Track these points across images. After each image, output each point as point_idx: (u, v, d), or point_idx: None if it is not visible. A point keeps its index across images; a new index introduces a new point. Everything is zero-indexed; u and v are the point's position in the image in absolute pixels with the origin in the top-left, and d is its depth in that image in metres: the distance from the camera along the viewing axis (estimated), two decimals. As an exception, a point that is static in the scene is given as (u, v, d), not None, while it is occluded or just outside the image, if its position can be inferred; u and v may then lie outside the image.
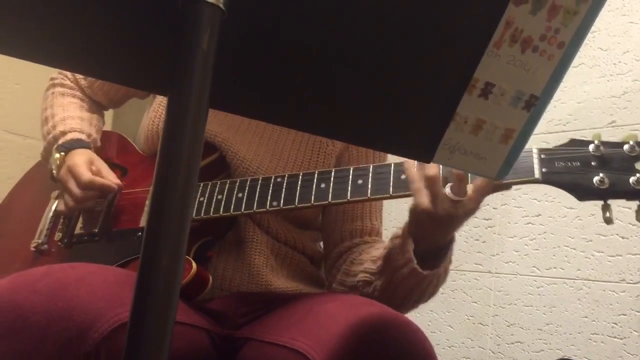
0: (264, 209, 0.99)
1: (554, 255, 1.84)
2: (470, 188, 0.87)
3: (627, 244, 1.72)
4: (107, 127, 1.61)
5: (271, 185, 1.00)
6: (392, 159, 0.93)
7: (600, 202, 0.82)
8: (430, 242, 0.94)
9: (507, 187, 0.89)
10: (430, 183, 0.87)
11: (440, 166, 0.88)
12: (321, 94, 0.56)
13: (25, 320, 0.75)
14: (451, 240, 0.96)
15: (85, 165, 1.13)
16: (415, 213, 0.91)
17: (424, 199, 0.88)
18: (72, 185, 1.12)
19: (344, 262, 1.12)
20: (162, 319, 0.44)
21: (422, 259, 0.94)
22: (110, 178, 1.14)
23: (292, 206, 0.97)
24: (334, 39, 0.52)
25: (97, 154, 1.20)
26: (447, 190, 0.88)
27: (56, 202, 1.24)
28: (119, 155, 1.26)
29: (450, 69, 0.55)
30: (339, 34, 0.52)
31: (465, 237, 2.03)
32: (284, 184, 0.99)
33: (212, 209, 1.02)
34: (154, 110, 1.20)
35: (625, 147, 0.82)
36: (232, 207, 1.01)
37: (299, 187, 0.98)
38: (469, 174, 0.88)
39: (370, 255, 1.06)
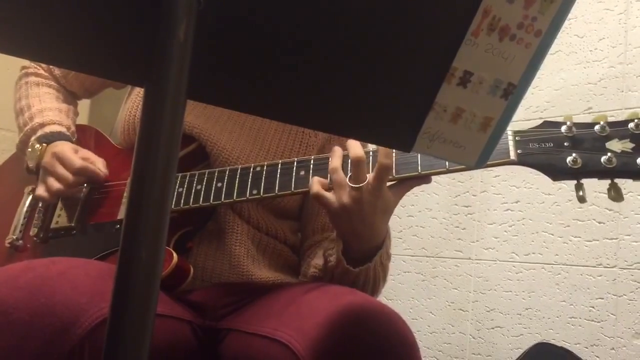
0: (244, 198, 0.99)
1: (533, 241, 1.86)
2: (370, 175, 0.89)
3: (604, 228, 1.74)
4: (84, 119, 1.59)
5: (250, 174, 1.00)
6: (373, 148, 0.94)
7: (574, 182, 0.84)
8: (358, 242, 0.95)
9: (428, 179, 0.92)
10: (332, 172, 0.91)
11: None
12: (299, 84, 0.56)
13: (7, 316, 0.74)
14: (385, 237, 0.97)
15: (73, 151, 1.12)
16: (329, 211, 0.93)
17: (330, 195, 0.92)
18: (62, 170, 1.10)
19: (310, 254, 1.13)
20: (143, 312, 0.44)
21: (357, 258, 0.96)
22: (99, 166, 1.13)
23: (273, 194, 0.97)
24: (311, 28, 0.52)
25: None
26: (347, 179, 0.91)
27: (30, 197, 1.22)
28: (94, 148, 1.25)
29: (428, 58, 0.55)
30: (316, 23, 0.52)
31: (445, 224, 2.05)
32: (264, 173, 0.99)
33: (191, 199, 1.02)
34: (131, 102, 1.18)
35: (596, 127, 0.83)
36: (211, 197, 1.00)
37: (278, 175, 0.98)
38: (370, 161, 0.91)
39: (321, 250, 1.07)
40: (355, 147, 0.90)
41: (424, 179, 0.91)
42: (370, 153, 0.93)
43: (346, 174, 0.91)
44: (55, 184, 1.11)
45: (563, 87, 1.89)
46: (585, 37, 1.88)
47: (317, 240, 1.14)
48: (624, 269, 1.70)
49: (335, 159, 0.92)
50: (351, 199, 0.89)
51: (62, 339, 0.74)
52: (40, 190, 1.14)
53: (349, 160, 0.90)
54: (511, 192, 1.93)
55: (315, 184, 0.93)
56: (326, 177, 0.95)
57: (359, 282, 0.97)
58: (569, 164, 0.82)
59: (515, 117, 0.60)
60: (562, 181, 0.85)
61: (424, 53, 0.55)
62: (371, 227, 0.92)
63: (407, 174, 0.90)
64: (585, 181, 0.83)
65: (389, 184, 0.91)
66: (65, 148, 1.13)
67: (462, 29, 0.53)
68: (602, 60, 1.84)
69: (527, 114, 1.92)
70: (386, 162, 0.87)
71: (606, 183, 0.83)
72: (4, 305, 0.75)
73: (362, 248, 0.95)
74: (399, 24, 0.52)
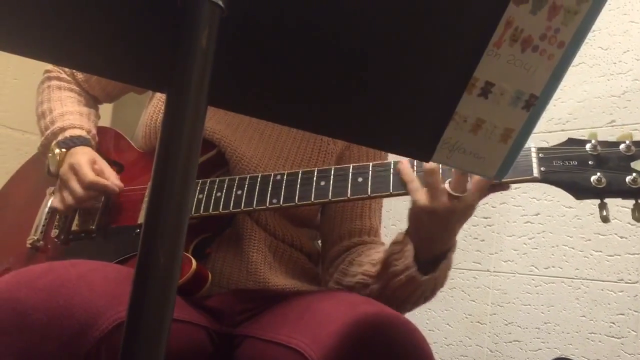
0: (264, 207, 0.99)
1: (553, 255, 1.84)
2: (469, 184, 0.87)
3: (626, 243, 1.72)
4: (106, 122, 1.61)
5: (270, 182, 1.00)
6: (392, 158, 0.93)
7: (597, 201, 0.83)
8: (430, 246, 0.93)
9: (506, 186, 0.89)
10: (429, 176, 0.87)
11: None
12: (321, 92, 0.56)
13: (26, 317, 0.75)
14: (452, 246, 0.96)
15: (88, 164, 1.12)
16: (414, 211, 0.91)
17: (422, 196, 0.88)
18: (75, 184, 1.11)
19: (342, 261, 1.12)
20: (159, 316, 0.44)
21: (423, 265, 0.94)
22: (113, 180, 1.13)
23: (292, 204, 0.97)
24: (334, 37, 0.52)
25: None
26: (446, 185, 0.88)
27: (52, 197, 1.23)
28: (115, 151, 1.26)
29: (450, 68, 0.55)
30: (340, 32, 0.52)
31: (463, 235, 2.03)
32: (284, 182, 0.99)
33: (211, 206, 1.02)
34: (153, 106, 1.19)
35: (622, 146, 0.82)
36: (231, 205, 1.01)
37: (298, 185, 0.98)
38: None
39: (370, 258, 1.06)
40: None
41: (503, 186, 0.89)
42: None
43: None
44: (68, 198, 1.12)
45: (586, 100, 1.87)
46: (609, 50, 1.86)
47: (345, 247, 1.13)
48: (646, 284, 1.67)
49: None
50: (444, 206, 0.87)
51: (79, 341, 0.75)
52: (56, 202, 1.15)
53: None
54: (531, 204, 1.91)
55: (422, 193, 0.89)
56: (346, 188, 0.94)
57: (419, 291, 0.95)
58: (593, 183, 0.82)
59: (536, 129, 0.60)
60: (586, 201, 0.83)
61: (446, 63, 0.54)
62: (450, 233, 0.92)
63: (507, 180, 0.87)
64: (608, 200, 0.83)
65: None
66: (82, 160, 1.12)
67: (484, 40, 0.53)
68: (626, 73, 1.81)
69: (548, 126, 1.90)
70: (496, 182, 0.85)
71: (630, 201, 0.82)
72: (23, 306, 0.76)
73: (430, 254, 0.94)
74: (421, 33, 0.52)
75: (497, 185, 0.88)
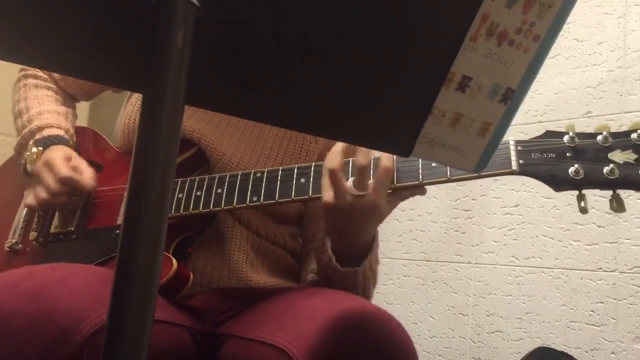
0: (244, 205, 0.99)
1: (532, 245, 1.86)
2: (371, 182, 0.90)
3: (604, 232, 1.74)
4: (83, 122, 1.59)
5: (251, 180, 0.99)
6: (374, 154, 0.94)
7: (576, 192, 0.84)
8: (345, 240, 0.95)
9: (423, 190, 0.92)
10: (332, 176, 0.90)
11: (350, 160, 0.93)
12: (298, 89, 0.56)
13: (6, 323, 0.74)
14: (372, 240, 0.98)
15: (63, 160, 1.10)
16: (322, 208, 0.93)
17: (328, 193, 0.91)
18: (49, 178, 1.08)
19: (310, 259, 1.13)
20: (141, 318, 0.44)
21: (347, 258, 0.96)
22: (87, 176, 1.11)
23: (273, 201, 0.97)
24: (310, 34, 0.52)
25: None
26: (349, 184, 0.90)
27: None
28: (94, 151, 1.24)
29: (427, 63, 0.55)
30: (315, 29, 0.52)
31: (445, 228, 2.05)
32: (264, 179, 0.99)
33: (191, 206, 1.01)
34: (131, 105, 1.18)
35: (599, 137, 0.83)
36: (211, 203, 1.00)
37: (279, 182, 0.97)
38: (370, 168, 0.91)
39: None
40: (362, 153, 0.89)
41: (419, 189, 0.92)
42: (372, 161, 0.93)
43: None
44: (42, 193, 1.09)
45: (562, 91, 1.89)
46: (584, 41, 1.88)
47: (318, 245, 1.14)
48: (624, 273, 1.69)
49: (334, 160, 0.91)
50: (349, 204, 0.90)
51: (61, 345, 0.74)
52: (29, 199, 1.12)
53: (351, 165, 0.90)
54: (511, 196, 1.93)
55: (328, 191, 0.92)
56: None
57: (348, 283, 0.98)
58: (571, 175, 0.82)
59: (514, 122, 0.60)
60: (564, 192, 0.85)
61: (423, 58, 0.55)
62: (361, 229, 0.93)
63: (404, 184, 0.91)
64: (586, 191, 0.84)
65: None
66: (56, 155, 1.10)
67: (460, 34, 0.53)
68: (601, 64, 1.84)
69: (526, 118, 1.92)
70: (389, 165, 0.88)
71: (608, 193, 0.83)
72: (3, 311, 0.75)
73: (349, 248, 0.96)
74: (398, 29, 0.52)
75: (415, 188, 0.91)
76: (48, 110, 1.24)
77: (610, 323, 1.69)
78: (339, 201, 0.90)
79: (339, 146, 0.93)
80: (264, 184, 0.98)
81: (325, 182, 0.92)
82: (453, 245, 2.02)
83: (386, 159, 0.89)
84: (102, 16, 0.50)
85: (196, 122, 1.10)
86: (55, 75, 1.32)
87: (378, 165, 0.90)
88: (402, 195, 0.93)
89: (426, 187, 0.92)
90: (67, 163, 1.10)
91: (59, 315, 0.75)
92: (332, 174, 0.90)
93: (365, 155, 0.89)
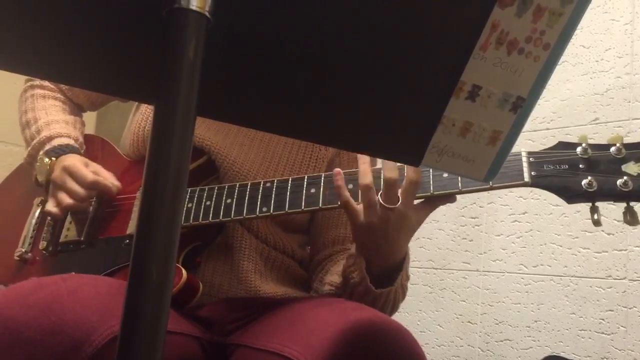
0: (254, 215, 0.98)
1: (541, 253, 1.85)
2: (399, 193, 0.88)
3: (613, 240, 1.73)
4: (91, 130, 1.59)
5: (260, 190, 0.99)
6: (381, 163, 0.93)
7: (589, 204, 0.83)
8: (379, 259, 0.94)
9: (453, 198, 0.90)
10: (365, 193, 0.88)
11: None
12: (308, 99, 0.56)
13: (18, 335, 0.74)
14: (404, 257, 0.96)
15: (84, 165, 1.12)
16: (355, 229, 0.92)
17: (359, 213, 0.90)
18: (73, 184, 1.10)
19: (322, 269, 1.13)
20: (153, 329, 0.43)
21: (378, 277, 0.95)
22: (111, 179, 1.12)
23: (283, 212, 0.97)
24: (321, 44, 0.52)
25: None
26: (378, 197, 0.89)
27: (39, 208, 1.22)
28: (103, 159, 1.25)
29: (437, 72, 0.55)
30: (326, 39, 0.52)
31: (452, 235, 2.04)
32: (274, 189, 0.98)
33: (201, 215, 1.01)
34: (141, 114, 1.18)
35: (612, 149, 0.82)
36: (221, 213, 1.00)
37: (288, 193, 0.97)
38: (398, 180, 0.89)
39: (338, 268, 1.06)
40: (390, 168, 0.87)
41: (450, 197, 0.90)
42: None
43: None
44: (66, 199, 1.10)
45: (569, 98, 1.88)
46: (592, 48, 1.88)
47: (327, 254, 1.14)
48: (634, 280, 1.68)
49: (367, 175, 0.89)
50: (379, 218, 0.88)
51: (72, 357, 0.74)
52: (50, 205, 1.13)
53: (382, 179, 0.88)
54: (518, 203, 1.92)
55: (344, 191, 0.91)
56: (336, 195, 0.93)
57: (379, 302, 0.96)
58: (584, 187, 0.81)
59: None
60: (577, 204, 0.83)
61: (433, 67, 0.55)
62: (393, 245, 0.92)
63: (423, 194, 0.89)
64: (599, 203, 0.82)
65: (416, 201, 0.90)
66: (75, 162, 1.12)
67: (470, 43, 0.53)
68: (608, 71, 1.83)
69: (533, 125, 1.91)
70: (415, 178, 0.87)
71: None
72: (15, 324, 0.75)
73: (382, 265, 0.94)
74: (408, 38, 0.52)
75: (443, 197, 0.89)
76: (56, 120, 1.25)
77: (620, 331, 1.68)
78: (371, 217, 0.89)
79: (367, 161, 0.91)
80: (273, 194, 0.98)
81: (352, 204, 0.90)
82: (461, 253, 2.02)
83: (412, 170, 0.87)
84: (112, 28, 0.51)
85: (206, 130, 1.10)
86: (63, 85, 1.32)
87: (403, 175, 0.88)
88: (432, 204, 0.91)
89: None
90: (87, 168, 1.11)
91: (69, 327, 0.75)
92: (365, 188, 0.88)
93: (394, 169, 0.87)
